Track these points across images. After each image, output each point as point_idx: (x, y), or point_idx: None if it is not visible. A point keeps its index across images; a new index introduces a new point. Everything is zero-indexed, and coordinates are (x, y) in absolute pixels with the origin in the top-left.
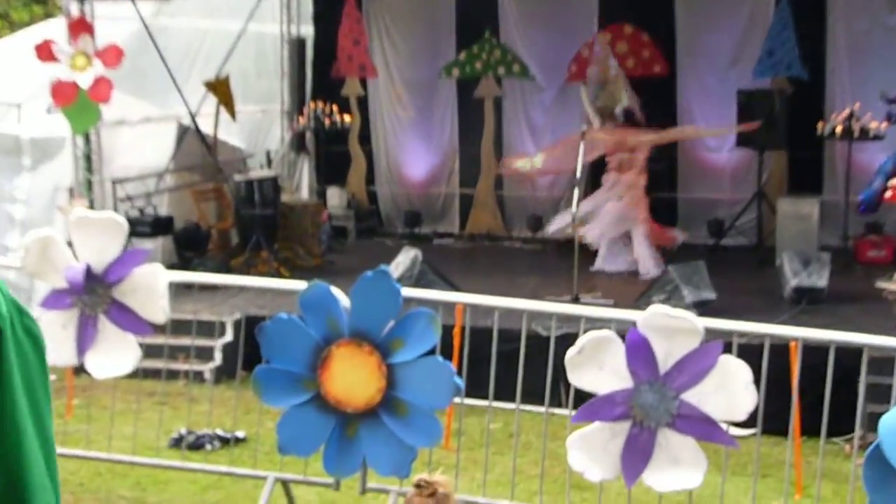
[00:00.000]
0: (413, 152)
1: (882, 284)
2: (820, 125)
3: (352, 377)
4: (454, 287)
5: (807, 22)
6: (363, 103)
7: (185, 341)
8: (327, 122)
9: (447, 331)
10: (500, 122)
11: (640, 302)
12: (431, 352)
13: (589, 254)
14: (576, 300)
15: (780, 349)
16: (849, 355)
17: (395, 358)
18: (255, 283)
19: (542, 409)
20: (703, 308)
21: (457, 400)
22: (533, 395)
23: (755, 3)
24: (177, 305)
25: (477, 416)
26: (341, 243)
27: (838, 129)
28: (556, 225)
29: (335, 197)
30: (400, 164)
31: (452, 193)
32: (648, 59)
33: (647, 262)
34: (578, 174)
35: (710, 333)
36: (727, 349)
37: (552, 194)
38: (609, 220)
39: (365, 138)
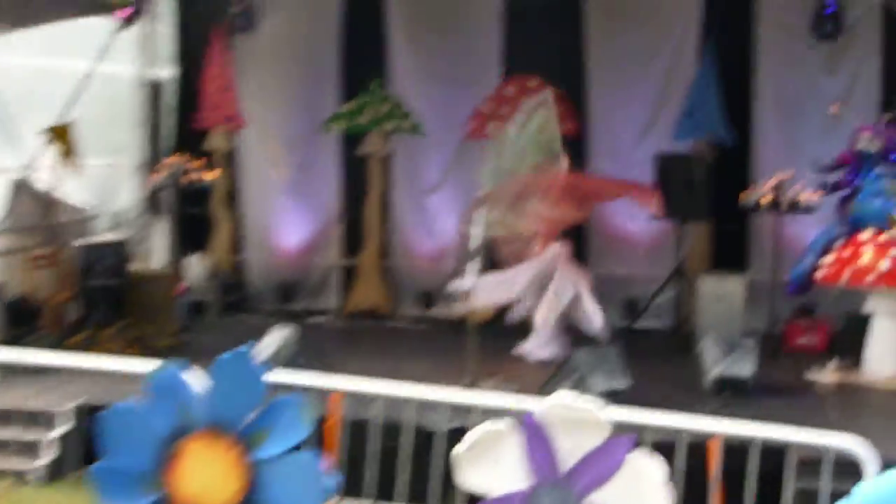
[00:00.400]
0: (288, 217)
1: (813, 376)
2: (745, 195)
3: (207, 476)
4: (331, 372)
5: (732, 80)
6: (230, 159)
7: (8, 434)
8: (188, 179)
9: (320, 423)
10: (388, 183)
11: (545, 390)
12: (301, 445)
13: (510, 334)
14: (473, 387)
15: (699, 446)
16: (775, 455)
17: (259, 453)
18: (95, 365)
19: None
20: (614, 398)
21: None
22: (422, 498)
23: (676, 57)
24: (1, 392)
25: None
26: (201, 320)
27: (766, 200)
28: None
29: (195, 266)
30: (272, 230)
31: (332, 265)
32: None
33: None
34: (474, 243)
35: (619, 427)
36: (638, 445)
37: (445, 267)
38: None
39: (232, 199)
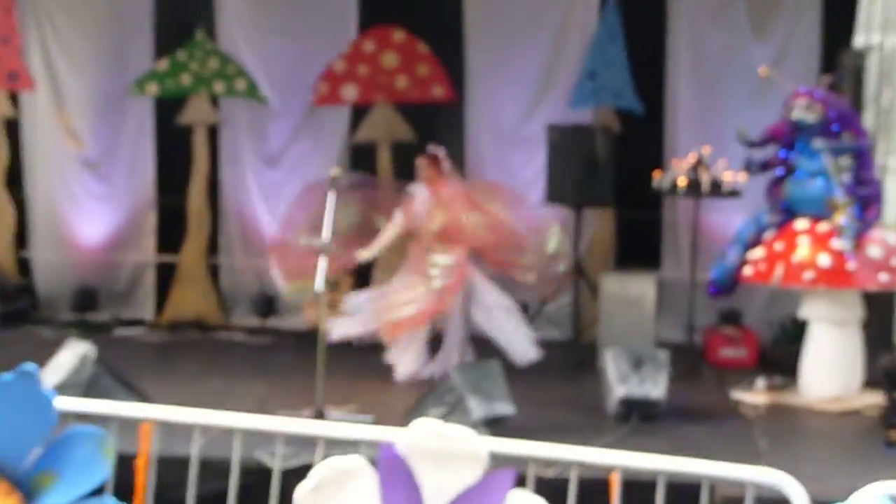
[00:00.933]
0: (87, 203)
1: (739, 396)
2: (657, 175)
3: None
4: (143, 398)
5: (642, 38)
6: (13, 129)
7: None
8: None
9: (127, 461)
10: (216, 160)
11: (411, 418)
12: (99, 491)
13: (372, 350)
14: (319, 415)
15: (596, 483)
16: (687, 492)
17: (45, 501)
18: None
19: None
20: (496, 426)
21: None
22: None
23: (573, 8)
24: None
25: None
26: None
27: (681, 182)
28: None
29: None
30: (67, 220)
31: (145, 263)
32: (427, 79)
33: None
34: (325, 236)
35: (499, 460)
36: (521, 482)
37: None
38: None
39: (15, 180)
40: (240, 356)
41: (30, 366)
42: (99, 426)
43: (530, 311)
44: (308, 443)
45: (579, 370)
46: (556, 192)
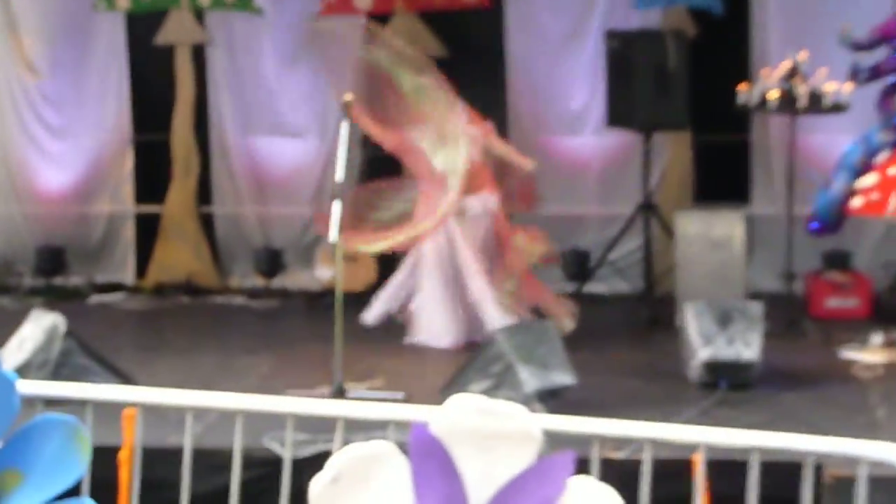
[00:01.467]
0: (50, 145)
1: (850, 355)
2: (743, 89)
3: None
4: (124, 378)
5: None
6: None
7: None
8: None
9: (108, 455)
10: (203, 87)
11: (448, 394)
12: (74, 491)
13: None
14: (338, 394)
15: (675, 465)
16: (789, 473)
17: None
18: None
19: None
20: (555, 401)
21: None
22: None
23: None
24: None
25: None
26: None
27: (773, 96)
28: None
29: None
30: (26, 166)
31: (122, 215)
32: None
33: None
34: (340, 175)
35: (557, 441)
36: (584, 467)
37: (297, 213)
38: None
39: None
40: (240, 324)
41: None
42: (72, 413)
43: (591, 261)
44: (325, 427)
45: (653, 329)
46: (619, 114)
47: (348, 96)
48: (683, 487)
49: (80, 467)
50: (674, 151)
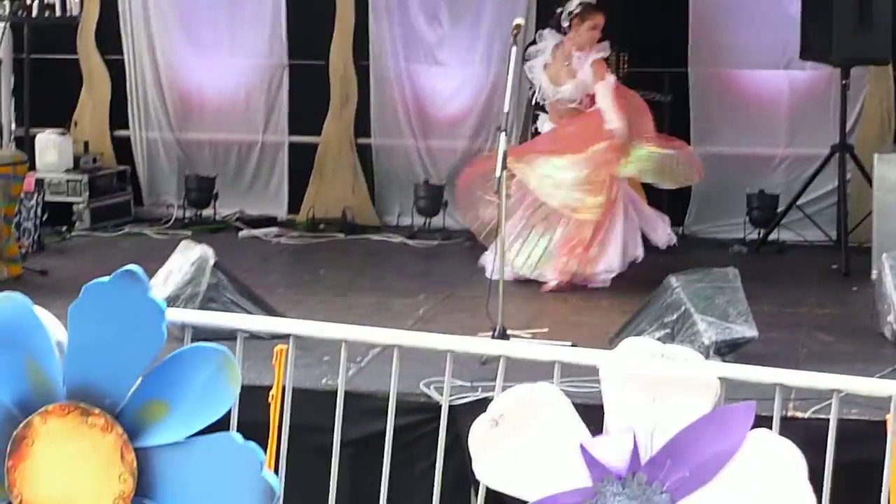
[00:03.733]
0: (199, 68)
1: None
2: None
3: (72, 474)
4: (272, 313)
5: None
6: None
7: None
8: (42, 10)
9: (253, 393)
10: (365, 14)
11: (620, 338)
12: (222, 426)
13: None
14: (503, 336)
15: (866, 426)
16: None
17: (153, 437)
18: None
19: None
20: (733, 354)
21: None
22: None
23: None
24: None
25: None
26: (62, 234)
27: None
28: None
29: (51, 149)
30: (177, 87)
31: (276, 146)
32: None
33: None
34: (507, 107)
35: (736, 391)
36: (764, 420)
37: (468, 145)
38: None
39: (109, 39)
40: (397, 264)
41: (132, 270)
42: (218, 347)
43: (780, 206)
44: (484, 373)
45: (845, 282)
46: (814, 46)
47: (519, 20)
48: (873, 452)
49: (229, 399)
50: (874, 88)
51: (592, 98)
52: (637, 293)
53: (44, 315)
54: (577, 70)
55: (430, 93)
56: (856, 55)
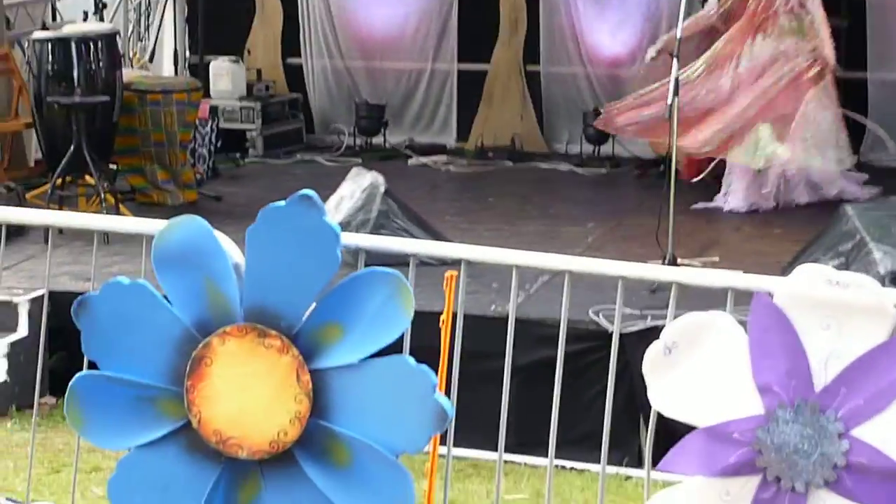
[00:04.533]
0: None
1: None
2: None
3: (248, 394)
4: (442, 240)
5: None
6: None
7: None
8: None
9: (426, 318)
10: None
11: (794, 267)
12: (395, 349)
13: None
14: (672, 262)
15: None
16: None
17: (328, 359)
18: (70, 224)
19: (598, 466)
20: None
21: (442, 448)
22: (582, 442)
23: None
24: None
25: (481, 479)
26: (236, 161)
27: None
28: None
29: (225, 76)
30: (347, 15)
31: (445, 73)
32: None
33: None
34: (679, 33)
35: None
36: None
37: (633, 76)
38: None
39: None
40: (566, 192)
41: (309, 191)
42: (392, 271)
43: None
44: (653, 302)
45: None
46: None
47: None
48: None
49: (403, 322)
50: None
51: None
52: (811, 222)
53: (221, 238)
54: None
55: (600, 18)
56: None
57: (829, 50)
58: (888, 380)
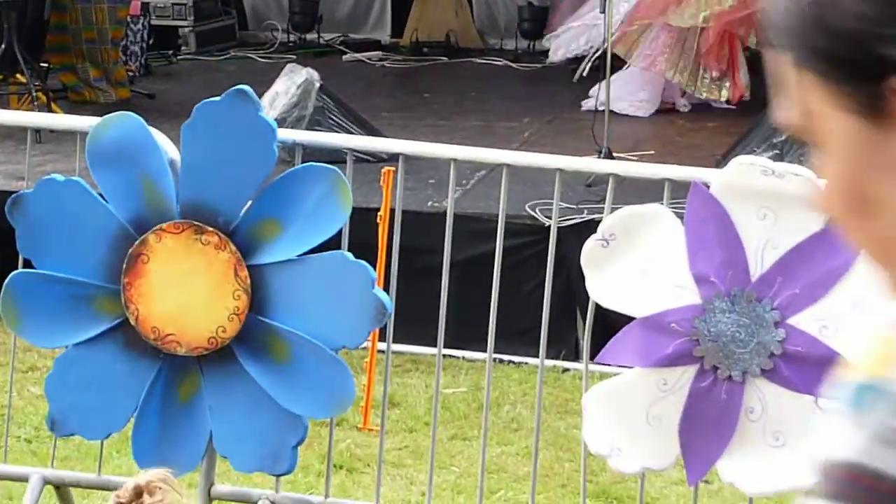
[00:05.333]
0: None
1: None
2: None
3: (186, 290)
4: (379, 136)
5: None
6: None
7: None
8: None
9: (363, 214)
10: None
11: (728, 160)
12: (334, 245)
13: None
14: (608, 156)
15: None
16: None
17: (266, 255)
18: (2, 122)
19: (536, 360)
20: None
21: (381, 343)
22: (520, 336)
23: None
24: None
25: (420, 373)
26: (168, 58)
27: None
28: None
29: None
30: None
31: None
32: None
33: None
34: None
35: None
36: None
37: None
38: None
39: None
40: (502, 87)
41: (244, 87)
42: (328, 167)
43: None
44: (589, 196)
45: None
46: None
47: None
48: None
49: (341, 218)
50: None
51: None
52: (745, 115)
53: (156, 135)
54: None
55: None
56: None
57: None
58: (825, 268)
